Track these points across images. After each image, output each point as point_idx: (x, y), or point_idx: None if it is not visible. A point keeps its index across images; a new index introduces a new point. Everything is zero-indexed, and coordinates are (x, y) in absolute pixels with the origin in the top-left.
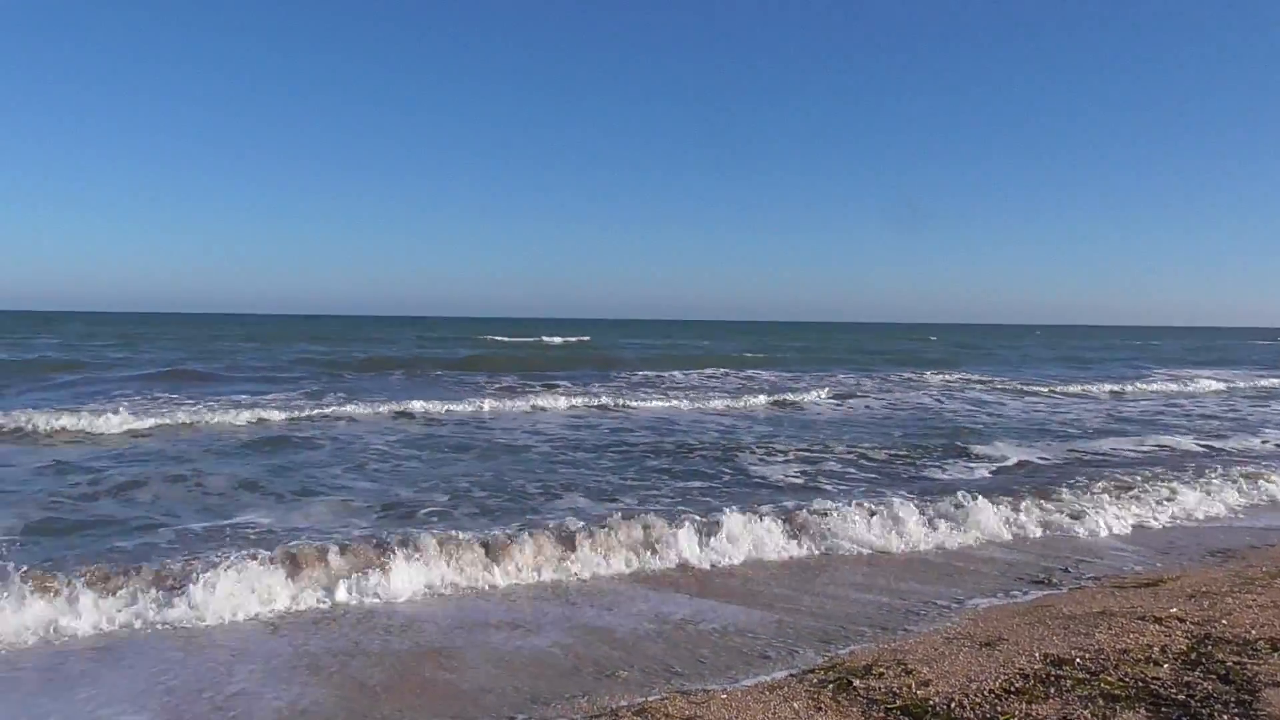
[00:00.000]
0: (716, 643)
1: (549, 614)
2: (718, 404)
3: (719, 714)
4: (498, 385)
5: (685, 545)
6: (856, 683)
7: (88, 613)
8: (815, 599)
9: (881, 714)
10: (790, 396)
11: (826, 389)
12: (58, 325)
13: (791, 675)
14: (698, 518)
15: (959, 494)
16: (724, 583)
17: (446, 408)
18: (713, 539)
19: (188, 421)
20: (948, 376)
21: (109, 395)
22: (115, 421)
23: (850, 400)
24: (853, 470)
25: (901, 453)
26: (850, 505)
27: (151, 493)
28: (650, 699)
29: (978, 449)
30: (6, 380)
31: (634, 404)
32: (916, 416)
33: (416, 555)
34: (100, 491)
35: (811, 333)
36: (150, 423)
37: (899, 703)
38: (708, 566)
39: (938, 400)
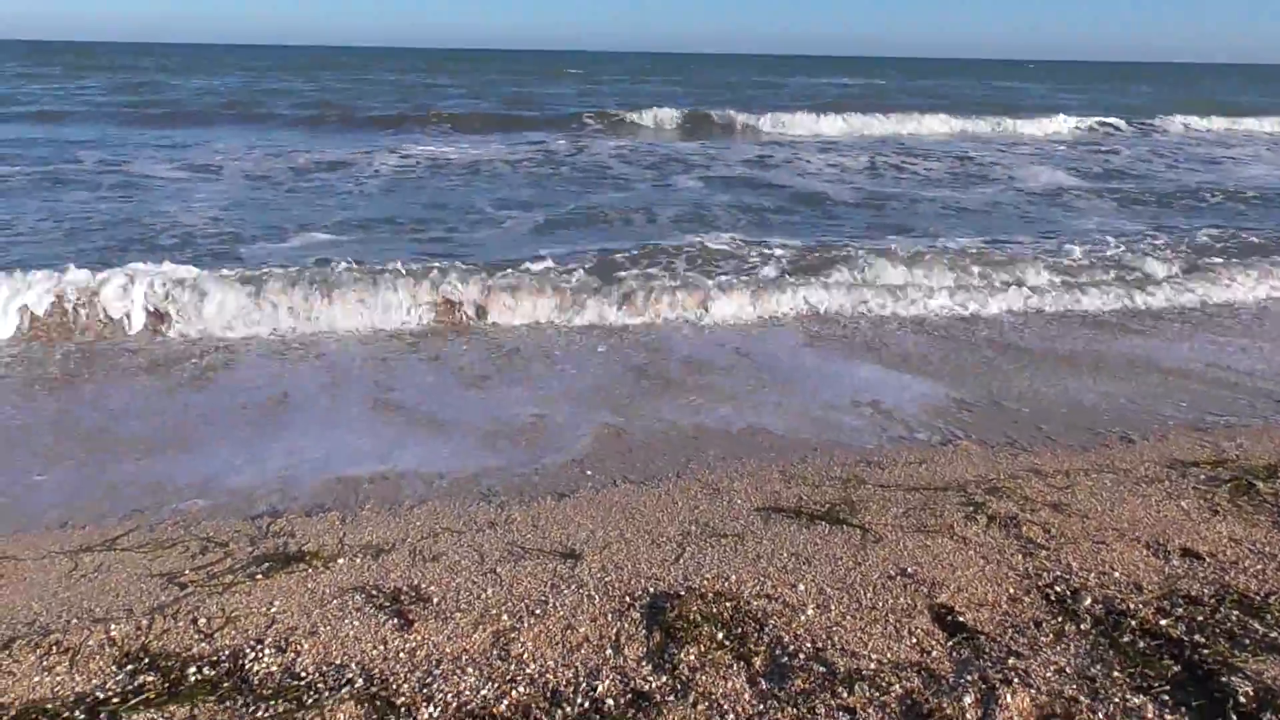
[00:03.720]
0: (1060, 416)
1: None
2: None
3: (1089, 504)
4: None
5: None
6: (1261, 486)
7: None
8: (1182, 366)
9: None
10: None
11: None
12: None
13: (1168, 467)
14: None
15: None
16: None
17: None
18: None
19: None
20: None
21: None
22: None
23: None
24: None
25: None
26: None
27: None
28: (1000, 476)
29: None
30: None
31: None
32: None
33: None
34: None
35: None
36: None
37: None
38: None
39: None
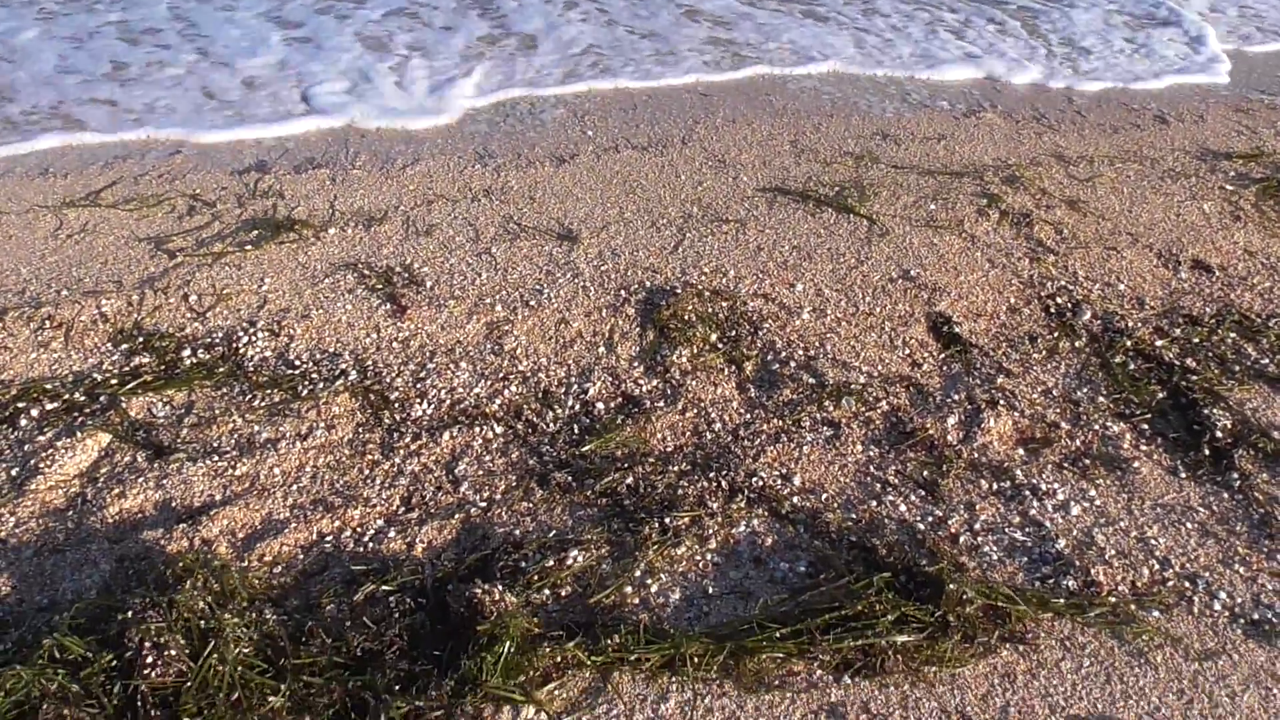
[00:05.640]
0: (1094, 95)
1: None
2: None
3: (1107, 202)
4: None
5: None
6: None
7: None
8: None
9: None
10: None
11: None
12: None
13: (1199, 158)
14: None
15: None
16: None
17: None
18: None
19: None
20: None
21: None
22: None
23: None
24: None
25: None
26: None
27: None
28: (1020, 160)
29: None
30: None
31: None
32: None
33: None
34: None
35: None
36: None
37: None
38: None
39: None
